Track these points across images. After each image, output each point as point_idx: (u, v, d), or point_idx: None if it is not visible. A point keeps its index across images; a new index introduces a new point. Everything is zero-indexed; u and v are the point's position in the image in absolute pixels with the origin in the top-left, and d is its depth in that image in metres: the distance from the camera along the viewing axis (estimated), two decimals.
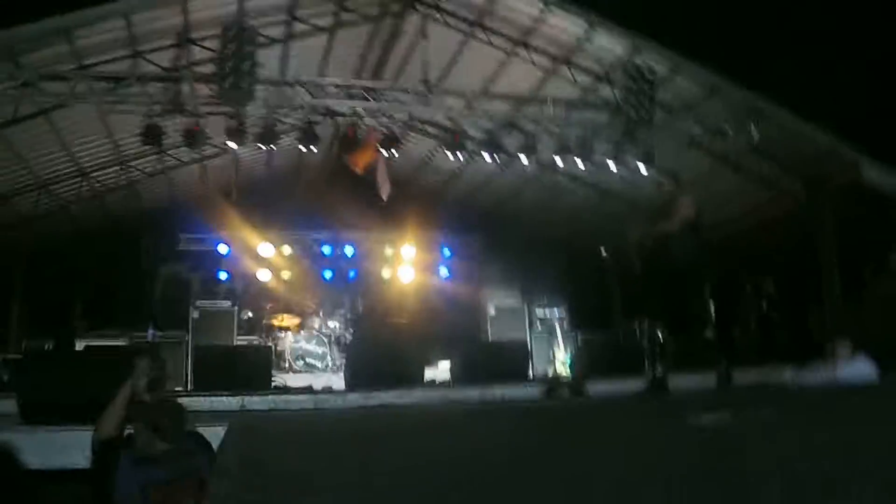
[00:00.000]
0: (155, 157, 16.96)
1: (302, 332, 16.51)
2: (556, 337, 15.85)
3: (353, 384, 11.59)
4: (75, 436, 5.50)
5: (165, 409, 4.88)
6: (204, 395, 8.39)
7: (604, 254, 13.16)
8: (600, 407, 7.61)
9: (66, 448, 5.09)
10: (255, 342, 15.90)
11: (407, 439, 4.78)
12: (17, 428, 6.21)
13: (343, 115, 14.10)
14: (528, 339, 15.66)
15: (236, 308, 16.16)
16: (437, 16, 14.71)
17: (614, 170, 14.82)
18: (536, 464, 3.17)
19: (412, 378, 10.87)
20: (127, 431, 4.92)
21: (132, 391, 5.08)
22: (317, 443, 4.69)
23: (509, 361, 12.22)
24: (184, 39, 13.01)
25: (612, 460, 3.29)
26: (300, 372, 15.16)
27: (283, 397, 9.71)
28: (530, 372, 13.65)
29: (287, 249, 18.65)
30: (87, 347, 12.19)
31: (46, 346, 14.92)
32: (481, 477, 2.86)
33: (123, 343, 13.97)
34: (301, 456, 4.61)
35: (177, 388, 12.09)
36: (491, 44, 14.91)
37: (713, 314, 9.32)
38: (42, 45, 12.30)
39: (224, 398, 8.35)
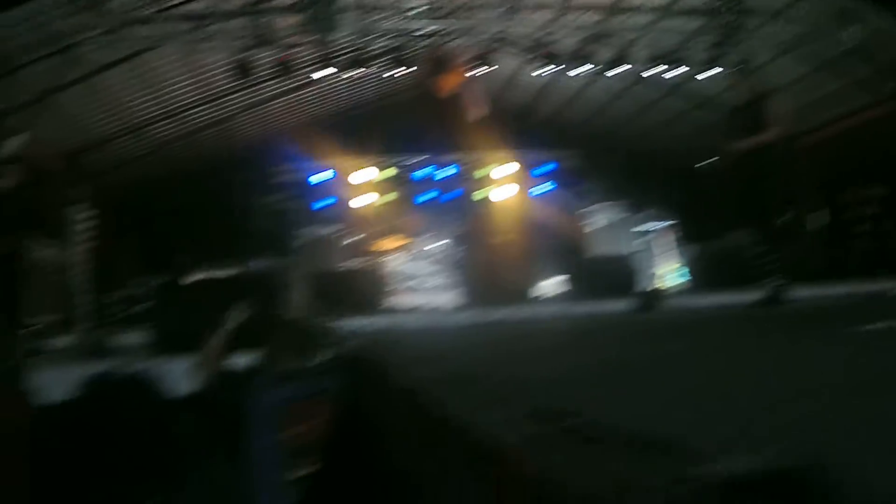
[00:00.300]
0: (244, 92, 17.04)
1: (405, 254, 16.49)
2: (659, 251, 15.56)
3: (464, 303, 11.57)
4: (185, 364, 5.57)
5: (298, 330, 4.87)
6: (320, 319, 8.41)
7: (704, 165, 12.80)
8: (716, 318, 7.42)
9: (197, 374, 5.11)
10: (361, 266, 15.95)
11: (528, 353, 4.70)
12: (147, 359, 6.31)
13: (429, 36, 13.88)
14: (631, 254, 15.44)
15: (338, 235, 16.18)
16: None
17: (708, 77, 14.38)
18: (666, 374, 3.04)
19: (522, 295, 10.79)
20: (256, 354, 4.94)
21: (249, 317, 5.07)
22: (438, 359, 4.66)
23: (615, 276, 12.03)
24: None
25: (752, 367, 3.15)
26: (407, 293, 15.17)
27: (396, 318, 9.72)
28: (636, 286, 13.46)
29: (383, 174, 18.65)
30: (199, 280, 12.36)
31: (158, 282, 15.23)
32: (610, 387, 2.75)
33: (231, 274, 14.15)
34: (425, 372, 4.60)
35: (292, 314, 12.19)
36: None
37: (818, 223, 8.98)
38: None
39: (338, 321, 8.36)
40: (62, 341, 8.90)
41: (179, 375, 5.19)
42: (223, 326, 5.01)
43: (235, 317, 5.09)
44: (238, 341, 5.11)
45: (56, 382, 5.61)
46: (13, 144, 7.33)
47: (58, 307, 12.43)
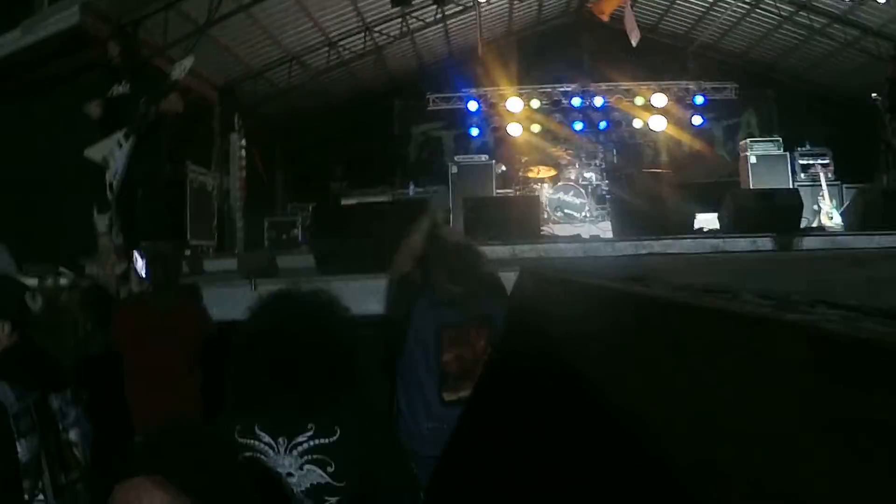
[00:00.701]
0: (399, 20, 17.04)
1: (559, 183, 16.36)
2: (821, 187, 14.93)
3: (620, 232, 11.37)
4: (366, 284, 5.61)
5: (461, 253, 4.82)
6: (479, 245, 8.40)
7: (874, 98, 12.14)
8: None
9: (360, 294, 5.14)
10: (516, 194, 15.89)
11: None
12: (315, 279, 6.40)
13: None
14: (788, 190, 14.86)
15: (493, 161, 16.15)
16: None
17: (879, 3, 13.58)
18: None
19: (681, 226, 10.50)
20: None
21: (428, 229, 5.03)
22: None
23: (780, 210, 11.56)
24: None
25: None
26: (559, 223, 15.03)
27: (553, 246, 9.63)
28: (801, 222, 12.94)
29: (536, 103, 18.52)
30: (359, 204, 12.50)
31: (309, 209, 15.53)
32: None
33: (388, 199, 14.29)
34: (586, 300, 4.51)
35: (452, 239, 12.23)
36: None
37: None
38: None
39: (495, 247, 8.33)
40: (225, 263, 9.15)
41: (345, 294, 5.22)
42: (410, 236, 4.97)
43: (423, 226, 5.04)
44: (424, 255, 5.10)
45: (229, 301, 5.79)
46: (178, 70, 7.46)
47: (216, 231, 12.85)
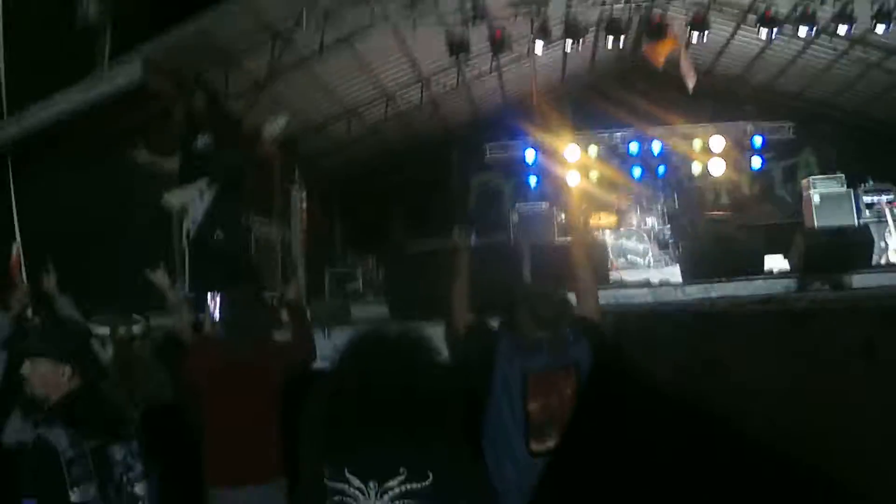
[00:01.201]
0: (454, 70, 17.12)
1: (620, 229, 16.28)
2: (887, 223, 14.60)
3: (690, 276, 11.23)
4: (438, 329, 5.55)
5: (546, 297, 4.73)
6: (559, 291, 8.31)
7: None
8: None
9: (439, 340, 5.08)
10: (578, 241, 15.80)
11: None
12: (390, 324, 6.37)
13: (645, 2, 13.50)
14: (856, 227, 14.59)
15: (554, 209, 16.10)
16: None
17: None
18: None
19: (751, 269, 10.32)
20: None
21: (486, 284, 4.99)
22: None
23: (851, 248, 11.35)
24: None
25: None
26: (623, 269, 14.93)
27: (623, 291, 9.52)
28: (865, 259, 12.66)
29: (593, 150, 18.54)
30: (428, 251, 12.50)
31: (369, 262, 15.56)
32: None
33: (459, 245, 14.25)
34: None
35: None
36: None
37: None
38: None
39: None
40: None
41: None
42: (460, 291, 4.93)
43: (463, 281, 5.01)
44: (480, 308, 5.04)
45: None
46: (271, 127, 7.71)
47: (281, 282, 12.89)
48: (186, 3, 12.13)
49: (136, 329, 5.80)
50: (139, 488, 3.75)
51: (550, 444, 4.38)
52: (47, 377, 3.74)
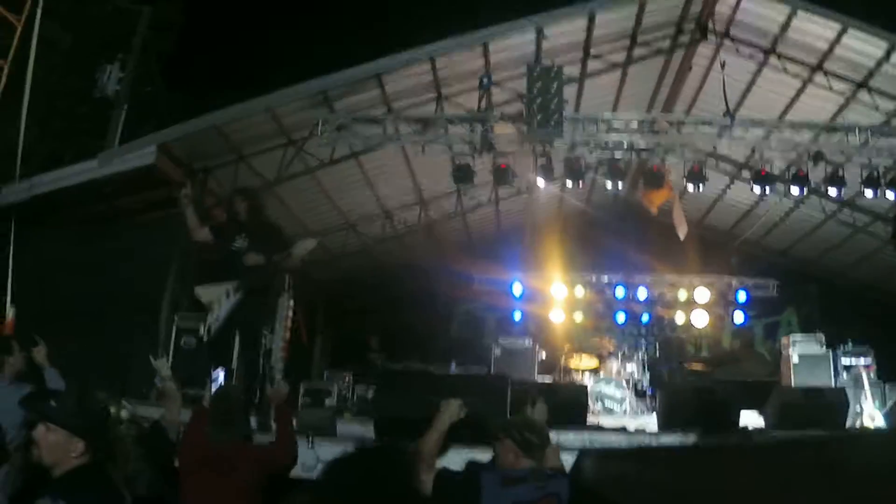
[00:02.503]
0: (453, 196, 17.41)
1: (600, 374, 16.29)
2: (863, 387, 14.67)
3: (665, 425, 11.25)
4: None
5: (532, 426, 4.79)
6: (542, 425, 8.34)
7: None
8: None
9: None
10: (557, 381, 15.82)
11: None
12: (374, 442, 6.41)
13: (645, 150, 13.84)
14: (832, 389, 14.64)
15: (536, 346, 16.12)
16: (729, 44, 14.20)
17: None
18: None
19: (727, 423, 10.37)
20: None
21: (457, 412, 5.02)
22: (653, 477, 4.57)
23: (827, 408, 11.45)
24: (485, 82, 13.09)
25: None
26: (598, 414, 14.86)
27: (598, 436, 9.53)
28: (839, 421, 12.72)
29: (580, 291, 18.63)
30: (422, 373, 12.53)
31: (346, 378, 15.48)
32: None
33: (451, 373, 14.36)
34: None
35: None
36: (785, 71, 14.08)
37: None
38: (355, 91, 12.97)
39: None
40: None
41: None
42: (440, 419, 4.95)
43: (452, 411, 5.03)
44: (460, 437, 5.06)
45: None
46: (300, 248, 8.36)
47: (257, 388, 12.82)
48: (201, 96, 12.46)
49: (124, 413, 5.79)
50: None
51: None
52: (59, 447, 3.75)
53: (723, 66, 13.65)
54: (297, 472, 6.19)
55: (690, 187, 14.02)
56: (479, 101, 13.10)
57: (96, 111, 16.62)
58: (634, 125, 13.48)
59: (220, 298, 8.21)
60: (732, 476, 3.30)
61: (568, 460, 6.82)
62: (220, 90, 12.53)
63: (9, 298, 10.67)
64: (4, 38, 11.89)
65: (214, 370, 8.54)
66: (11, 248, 11.05)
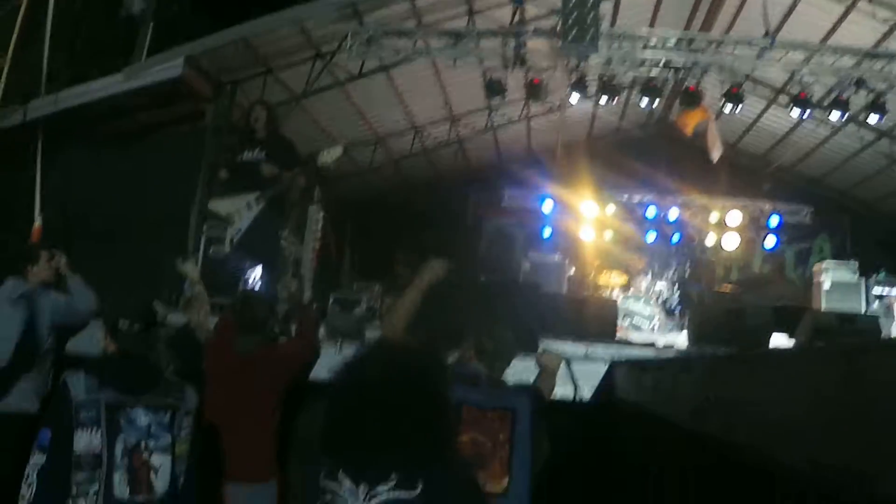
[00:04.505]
0: (484, 114, 17.28)
1: (629, 291, 16.22)
2: (894, 317, 14.53)
3: (696, 343, 11.22)
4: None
5: (490, 332, 4.75)
6: (551, 339, 8.32)
7: None
8: None
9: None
10: (585, 296, 15.74)
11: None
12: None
13: (682, 69, 13.57)
14: (864, 315, 14.46)
15: (566, 261, 16.07)
16: None
17: None
18: None
19: (758, 345, 10.31)
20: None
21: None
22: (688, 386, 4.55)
23: (858, 336, 11.34)
24: None
25: None
26: (626, 330, 14.80)
27: (626, 350, 9.51)
28: None
29: (610, 209, 18.50)
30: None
31: (375, 289, 15.53)
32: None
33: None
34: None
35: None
36: None
37: None
38: (384, 4, 12.75)
39: (569, 345, 8.24)
40: None
41: None
42: (421, 277, 4.72)
43: (434, 270, 4.82)
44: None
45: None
46: (326, 156, 8.15)
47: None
48: (230, 10, 12.36)
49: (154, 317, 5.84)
50: (157, 459, 3.84)
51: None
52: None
53: None
54: (323, 375, 6.22)
55: (728, 108, 13.77)
56: (513, 16, 12.90)
57: (122, 32, 16.57)
58: (671, 43, 13.15)
59: (240, 210, 8.31)
60: (768, 385, 3.25)
61: (597, 370, 6.91)
62: (247, 7, 12.36)
63: (37, 211, 10.74)
64: None
65: (240, 278, 8.57)
66: (39, 162, 11.08)
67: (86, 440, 3.68)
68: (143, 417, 3.82)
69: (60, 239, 7.21)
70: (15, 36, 11.21)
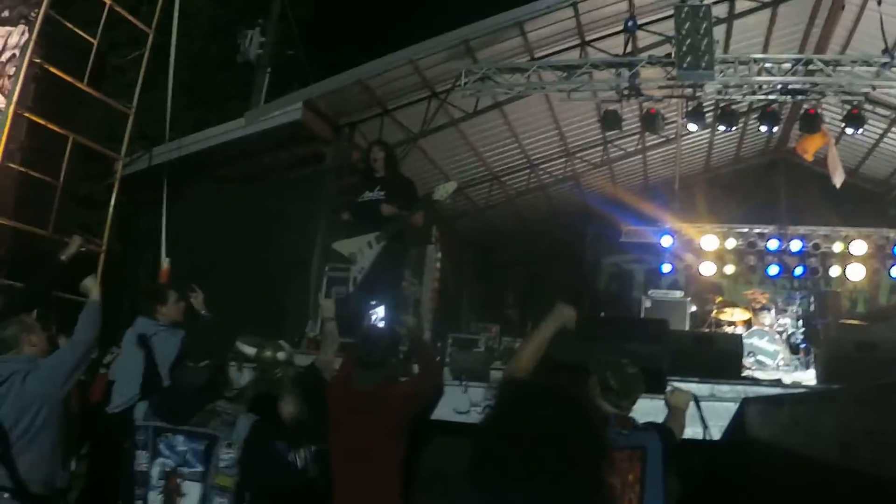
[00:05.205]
0: (599, 148, 17.17)
1: (753, 327, 15.73)
2: None
3: (826, 380, 10.81)
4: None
5: (616, 370, 4.64)
6: (675, 378, 8.12)
7: None
8: None
9: None
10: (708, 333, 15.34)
11: None
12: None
13: (802, 92, 13.20)
14: None
15: (688, 299, 15.74)
16: None
17: None
18: None
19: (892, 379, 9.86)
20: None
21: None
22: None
23: None
24: (630, 25, 12.67)
25: None
26: (749, 369, 14.37)
27: (753, 388, 9.21)
28: None
29: (731, 242, 17.99)
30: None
31: (493, 330, 15.44)
32: None
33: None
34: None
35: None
36: None
37: None
38: (496, 40, 12.80)
39: (693, 383, 8.03)
40: None
41: None
42: (548, 323, 4.57)
43: (562, 316, 4.71)
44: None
45: None
46: (440, 192, 8.36)
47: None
48: (342, 53, 12.61)
49: (282, 355, 5.90)
50: (186, 486, 4.02)
51: None
52: None
53: (879, 1, 12.85)
54: (449, 415, 6.19)
55: (850, 130, 13.35)
56: (626, 45, 12.80)
57: (239, 77, 17.10)
58: (787, 66, 12.82)
59: (362, 249, 8.36)
60: None
61: (724, 409, 6.70)
62: (362, 49, 12.66)
63: (163, 252, 11.06)
64: (147, 12, 12.13)
65: (363, 318, 8.61)
66: (164, 205, 11.43)
67: (139, 460, 4.08)
68: (181, 444, 4.05)
69: (187, 280, 7.36)
70: (139, 85, 11.58)
